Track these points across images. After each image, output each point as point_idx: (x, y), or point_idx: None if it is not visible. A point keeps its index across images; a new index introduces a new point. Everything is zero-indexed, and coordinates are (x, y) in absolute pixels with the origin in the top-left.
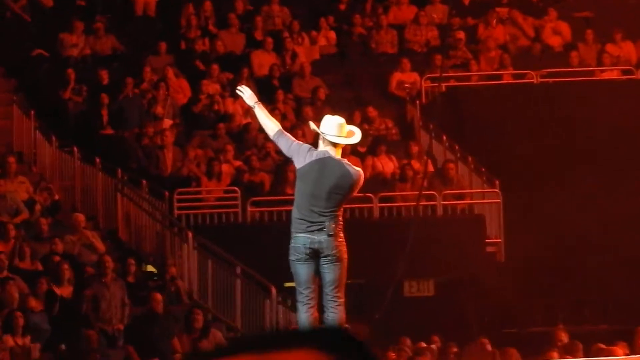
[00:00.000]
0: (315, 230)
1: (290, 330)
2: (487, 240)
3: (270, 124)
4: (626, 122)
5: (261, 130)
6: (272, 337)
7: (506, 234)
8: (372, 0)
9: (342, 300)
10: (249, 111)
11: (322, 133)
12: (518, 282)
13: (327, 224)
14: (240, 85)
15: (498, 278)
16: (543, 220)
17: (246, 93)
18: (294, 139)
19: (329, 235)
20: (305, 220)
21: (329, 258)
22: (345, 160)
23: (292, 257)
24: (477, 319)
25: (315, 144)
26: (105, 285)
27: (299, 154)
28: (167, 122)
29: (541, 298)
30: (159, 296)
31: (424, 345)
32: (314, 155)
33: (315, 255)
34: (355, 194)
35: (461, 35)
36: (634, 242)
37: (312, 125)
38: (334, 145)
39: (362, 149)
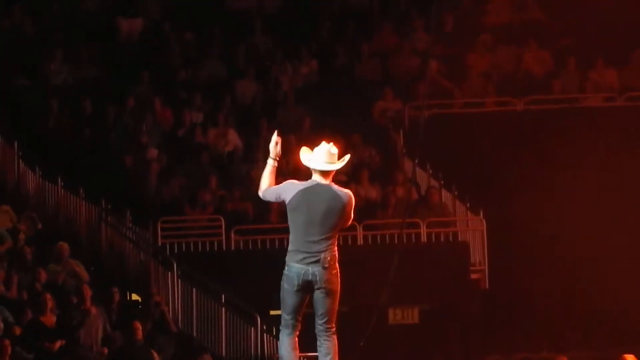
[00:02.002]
0: (311, 262)
1: None
2: (471, 268)
3: (267, 180)
4: (608, 147)
5: (244, 160)
6: None
7: (490, 262)
8: (355, 29)
9: (334, 329)
10: (231, 142)
11: (313, 168)
12: (502, 309)
13: (322, 255)
14: (278, 137)
15: (482, 305)
16: (527, 247)
17: (275, 148)
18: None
19: (324, 268)
20: (300, 251)
21: (322, 290)
22: (333, 184)
23: (284, 285)
24: (462, 346)
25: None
26: (85, 314)
27: (285, 191)
28: (153, 152)
29: (525, 325)
30: (138, 324)
31: None
32: (301, 186)
33: (308, 286)
34: (350, 219)
35: (436, 64)
36: (617, 269)
37: (304, 159)
38: (323, 173)
39: (344, 177)
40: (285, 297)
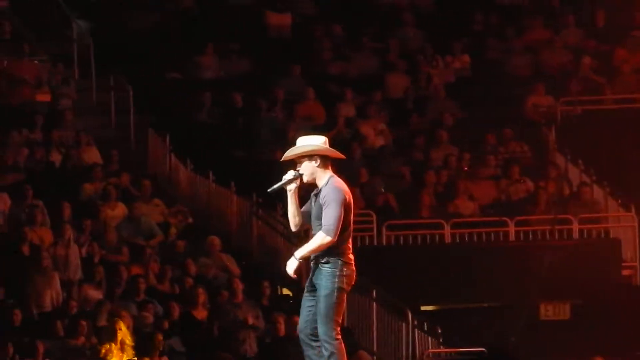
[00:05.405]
0: None
1: None
2: (623, 264)
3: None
4: None
5: (394, 154)
6: None
7: None
8: (506, 23)
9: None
10: (382, 132)
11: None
12: None
13: None
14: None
15: (634, 302)
16: None
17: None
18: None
19: None
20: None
21: None
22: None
23: (344, 286)
24: (614, 342)
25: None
26: (237, 307)
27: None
28: None
29: None
30: (281, 318)
31: None
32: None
33: None
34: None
35: (589, 60)
36: None
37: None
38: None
39: (495, 172)
40: (343, 299)
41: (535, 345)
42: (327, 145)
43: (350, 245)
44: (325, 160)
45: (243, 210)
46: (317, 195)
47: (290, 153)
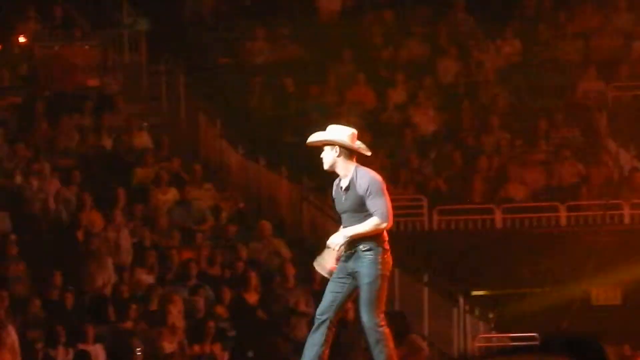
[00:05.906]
0: None
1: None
2: None
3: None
4: None
5: (446, 139)
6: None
7: None
8: (557, 8)
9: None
10: (433, 118)
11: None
12: None
13: None
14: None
15: None
16: None
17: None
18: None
19: None
20: None
21: None
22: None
23: (386, 272)
24: None
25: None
26: (289, 291)
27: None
28: None
29: None
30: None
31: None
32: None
33: None
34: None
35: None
36: None
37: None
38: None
39: (547, 157)
40: (385, 287)
41: (586, 330)
42: (354, 139)
43: (386, 233)
44: (348, 152)
45: (294, 195)
46: (347, 189)
47: (312, 138)
